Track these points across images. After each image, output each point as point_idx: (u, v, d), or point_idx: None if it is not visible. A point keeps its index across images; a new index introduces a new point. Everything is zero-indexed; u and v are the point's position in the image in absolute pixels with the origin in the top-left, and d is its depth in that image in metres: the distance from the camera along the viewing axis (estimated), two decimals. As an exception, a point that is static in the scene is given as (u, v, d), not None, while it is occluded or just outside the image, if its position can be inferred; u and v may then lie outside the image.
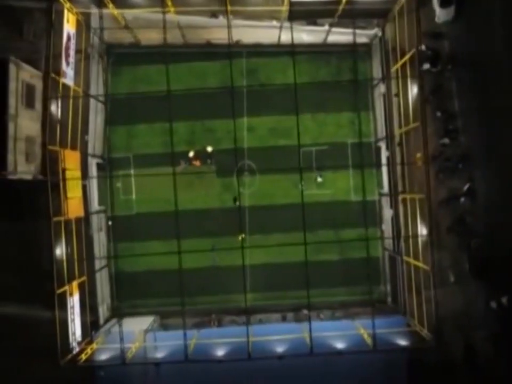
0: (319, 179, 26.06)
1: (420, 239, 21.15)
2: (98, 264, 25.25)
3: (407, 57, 21.40)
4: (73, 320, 20.92)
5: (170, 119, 19.91)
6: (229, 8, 19.99)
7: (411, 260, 22.09)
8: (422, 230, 21.23)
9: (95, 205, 25.35)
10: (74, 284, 21.55)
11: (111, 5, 20.84)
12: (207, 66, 26.53)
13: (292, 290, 26.42)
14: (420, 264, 21.05)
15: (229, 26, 19.56)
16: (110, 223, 26.48)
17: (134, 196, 26.47)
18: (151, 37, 26.01)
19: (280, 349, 20.90)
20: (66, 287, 20.64)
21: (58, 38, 20.17)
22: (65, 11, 20.49)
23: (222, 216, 26.46)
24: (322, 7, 21.80)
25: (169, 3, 20.49)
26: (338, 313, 25.84)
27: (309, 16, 22.80)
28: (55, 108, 20.20)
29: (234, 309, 26.62)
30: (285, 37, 25.30)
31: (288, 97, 26.45)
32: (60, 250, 20.91)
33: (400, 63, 22.42)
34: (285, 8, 21.62)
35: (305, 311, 25.99)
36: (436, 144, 24.55)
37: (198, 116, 26.43)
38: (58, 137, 20.64)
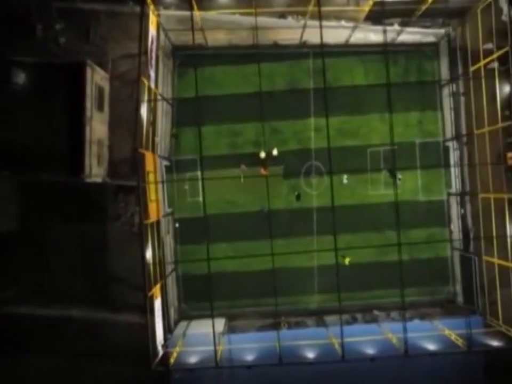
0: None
1: (508, 239, 21.00)
2: (168, 267, 25.15)
3: (495, 55, 21.29)
4: (165, 323, 20.80)
5: (262, 119, 19.90)
6: (317, 9, 19.81)
7: (495, 260, 21.96)
8: (512, 230, 21.15)
9: (165, 207, 25.22)
10: (157, 287, 21.41)
11: (195, 7, 20.68)
12: (274, 66, 26.41)
13: (360, 291, 26.36)
14: (510, 264, 20.91)
15: (320, 27, 19.39)
16: (177, 225, 26.37)
17: (201, 198, 26.29)
18: (217, 38, 25.95)
19: (369, 351, 20.74)
20: (154, 290, 20.50)
21: (144, 40, 19.93)
22: (150, 13, 20.30)
23: (289, 217, 26.40)
24: (403, 7, 21.69)
25: (254, 4, 20.37)
26: (408, 313, 25.67)
27: (388, 16, 22.64)
28: (142, 111, 20.09)
29: (302, 310, 26.60)
30: (353, 37, 25.32)
31: (355, 98, 26.61)
32: (147, 254, 20.69)
33: (485, 61, 22.19)
34: (367, 8, 21.50)
35: (375, 312, 25.99)
36: (503, 143, 24.57)
37: (264, 117, 26.21)
38: (145, 141, 20.52)
